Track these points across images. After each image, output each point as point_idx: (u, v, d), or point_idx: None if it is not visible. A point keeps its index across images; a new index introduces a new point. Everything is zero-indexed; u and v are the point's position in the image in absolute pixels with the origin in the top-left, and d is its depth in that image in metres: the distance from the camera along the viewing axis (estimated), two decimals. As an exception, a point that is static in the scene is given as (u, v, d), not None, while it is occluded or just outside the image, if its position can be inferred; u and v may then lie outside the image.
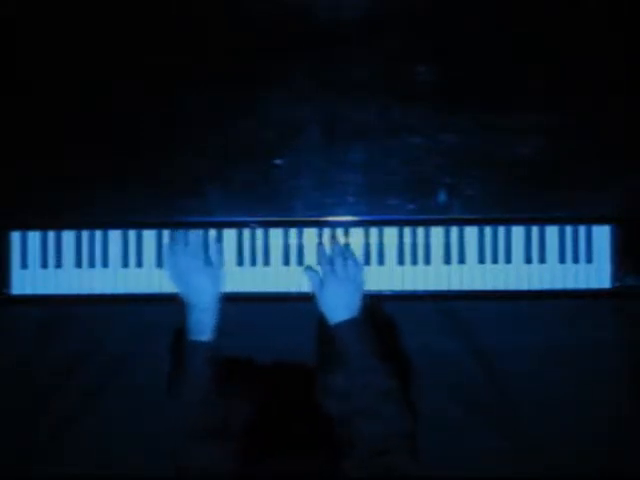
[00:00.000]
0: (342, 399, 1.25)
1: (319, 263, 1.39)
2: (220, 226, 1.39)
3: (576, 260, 1.39)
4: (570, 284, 1.39)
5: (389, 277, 1.40)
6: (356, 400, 1.23)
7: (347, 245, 1.40)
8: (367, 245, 1.40)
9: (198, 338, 1.29)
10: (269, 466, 1.16)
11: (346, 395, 1.24)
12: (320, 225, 1.38)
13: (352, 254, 1.39)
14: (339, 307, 1.32)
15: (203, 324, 1.30)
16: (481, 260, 1.40)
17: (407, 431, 1.20)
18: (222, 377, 1.30)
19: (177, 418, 1.25)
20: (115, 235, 1.41)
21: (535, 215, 1.35)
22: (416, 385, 1.69)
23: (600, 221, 1.38)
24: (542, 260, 1.40)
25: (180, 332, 1.68)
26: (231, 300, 1.57)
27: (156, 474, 1.64)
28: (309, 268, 1.39)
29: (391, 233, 1.40)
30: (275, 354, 1.60)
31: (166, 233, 1.41)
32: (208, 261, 1.36)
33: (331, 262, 1.37)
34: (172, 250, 1.36)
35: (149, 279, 1.41)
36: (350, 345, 1.28)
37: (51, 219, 1.36)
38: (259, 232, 1.40)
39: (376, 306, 1.68)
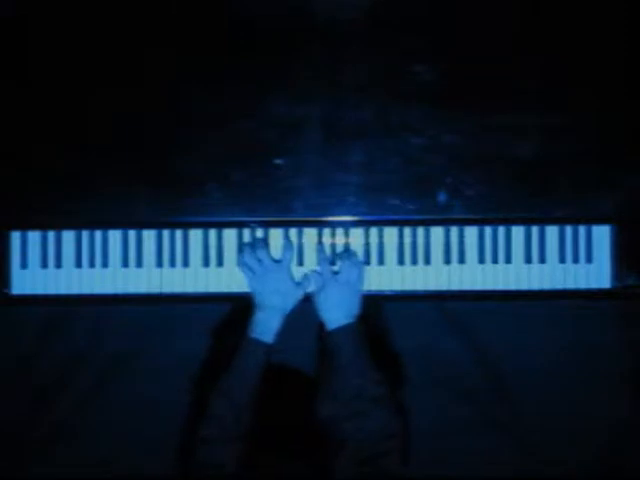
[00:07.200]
0: (335, 402, 1.26)
1: (319, 264, 1.38)
2: (220, 226, 1.39)
3: (576, 260, 1.39)
4: (570, 284, 1.39)
5: (389, 277, 1.40)
6: (348, 404, 1.24)
7: (347, 245, 1.40)
8: (367, 245, 1.40)
9: (261, 338, 1.30)
10: (265, 465, 1.17)
11: (339, 398, 1.25)
12: (320, 225, 1.38)
13: (353, 255, 1.38)
14: (338, 312, 1.32)
15: (269, 326, 1.31)
16: (481, 260, 1.40)
17: (395, 435, 1.22)
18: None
19: (216, 414, 1.25)
20: (115, 235, 1.41)
21: (535, 215, 1.35)
22: (414, 385, 1.69)
23: (600, 221, 1.38)
24: (542, 260, 1.40)
25: (218, 331, 1.66)
26: (231, 300, 1.57)
27: (156, 474, 1.64)
28: (313, 270, 1.39)
29: (391, 233, 1.40)
30: (274, 354, 1.60)
31: (166, 233, 1.41)
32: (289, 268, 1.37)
33: (331, 264, 1.37)
34: (252, 247, 1.36)
35: (149, 279, 1.41)
36: (345, 350, 1.29)
37: (51, 219, 1.36)
38: (259, 232, 1.40)
39: (374, 307, 1.69)
